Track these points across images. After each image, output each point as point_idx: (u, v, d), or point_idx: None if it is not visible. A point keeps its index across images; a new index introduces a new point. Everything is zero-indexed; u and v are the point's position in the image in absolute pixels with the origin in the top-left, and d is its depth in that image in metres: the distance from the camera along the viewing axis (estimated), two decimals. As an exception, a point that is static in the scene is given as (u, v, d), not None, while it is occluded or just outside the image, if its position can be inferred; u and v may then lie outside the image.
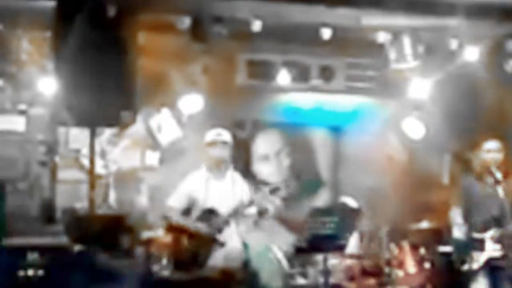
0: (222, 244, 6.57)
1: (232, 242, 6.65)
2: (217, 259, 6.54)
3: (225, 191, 6.70)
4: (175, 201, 6.70)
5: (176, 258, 6.59)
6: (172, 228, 6.64)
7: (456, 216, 6.74)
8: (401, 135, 8.30)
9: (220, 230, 6.59)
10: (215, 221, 6.59)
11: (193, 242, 6.54)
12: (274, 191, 6.68)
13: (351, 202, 7.16)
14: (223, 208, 6.63)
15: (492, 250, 6.58)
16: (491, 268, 6.58)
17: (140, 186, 7.67)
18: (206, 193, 6.66)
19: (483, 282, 6.57)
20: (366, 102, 8.35)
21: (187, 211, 6.71)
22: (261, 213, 6.70)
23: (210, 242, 6.55)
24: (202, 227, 6.56)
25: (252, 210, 6.70)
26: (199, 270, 6.43)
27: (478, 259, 6.59)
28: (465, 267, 6.58)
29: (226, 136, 6.81)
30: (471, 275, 6.58)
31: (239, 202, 6.65)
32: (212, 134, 6.81)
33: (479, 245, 6.60)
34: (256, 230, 7.04)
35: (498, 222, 6.60)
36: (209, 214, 6.62)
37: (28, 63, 7.00)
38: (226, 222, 6.59)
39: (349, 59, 8.20)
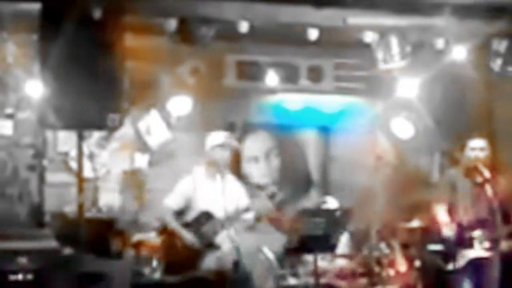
0: (216, 247, 6.55)
1: (226, 245, 6.63)
2: (209, 262, 6.51)
3: (222, 194, 6.67)
4: (172, 201, 6.69)
5: (168, 260, 6.57)
6: (166, 233, 6.62)
7: (442, 214, 6.77)
8: (390, 134, 8.31)
9: (215, 234, 6.57)
10: (210, 224, 6.58)
11: (186, 246, 6.52)
12: (272, 196, 6.68)
13: (333, 202, 7.18)
14: (219, 211, 6.61)
15: (478, 249, 6.60)
16: (475, 267, 6.59)
17: (129, 189, 7.65)
18: (203, 195, 6.65)
19: (467, 281, 6.59)
20: (355, 102, 8.36)
21: (182, 212, 6.69)
22: (258, 219, 6.70)
23: (198, 252, 6.53)
24: (195, 240, 6.54)
25: (250, 215, 6.70)
26: (191, 272, 6.40)
27: (463, 258, 6.60)
28: (450, 265, 6.60)
29: (231, 139, 6.83)
30: (455, 273, 6.60)
31: (236, 206, 6.64)
32: (220, 137, 6.79)
33: (467, 243, 6.62)
34: (247, 232, 7.02)
35: (486, 222, 6.61)
36: (205, 217, 6.60)
37: (14, 66, 6.98)
38: (222, 226, 6.57)
39: (337, 59, 8.22)
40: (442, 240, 6.75)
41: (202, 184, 6.72)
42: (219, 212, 6.63)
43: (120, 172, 7.62)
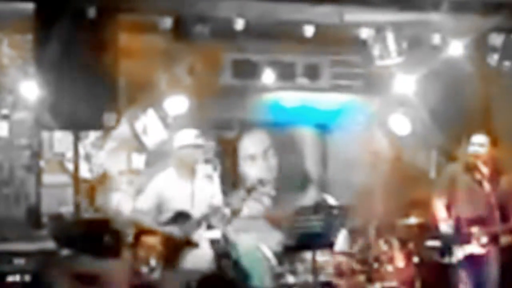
0: (195, 246, 6.51)
1: (202, 244, 6.58)
2: (195, 262, 6.46)
3: (195, 192, 6.60)
4: (143, 203, 6.61)
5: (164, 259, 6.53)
6: (142, 232, 6.57)
7: (440, 210, 6.77)
8: (388, 131, 8.30)
9: (191, 232, 6.51)
10: (186, 223, 6.52)
11: (166, 245, 6.47)
12: (250, 190, 6.61)
13: (331, 200, 7.16)
14: (195, 209, 6.56)
15: (475, 245, 6.58)
16: (472, 262, 6.58)
17: (126, 189, 7.63)
18: (176, 194, 6.58)
19: (463, 275, 6.58)
20: (352, 99, 8.35)
21: (157, 213, 6.63)
22: (234, 212, 6.61)
23: (182, 244, 6.48)
24: (172, 230, 6.49)
25: (226, 210, 6.62)
26: (172, 272, 6.35)
27: (457, 253, 6.59)
28: (445, 259, 6.60)
29: (200, 139, 6.71)
30: (451, 267, 6.60)
31: (210, 204, 6.56)
32: (187, 137, 6.68)
33: (465, 239, 6.61)
34: (245, 230, 7.01)
35: (484, 218, 6.61)
36: (180, 216, 6.55)
37: (9, 67, 6.97)
38: (198, 224, 6.52)
39: (334, 56, 8.20)
40: (441, 236, 6.74)
41: (174, 183, 6.64)
42: (193, 211, 6.57)
43: (116, 172, 7.60)
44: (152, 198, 6.58)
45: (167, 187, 6.60)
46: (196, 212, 6.52)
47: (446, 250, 6.65)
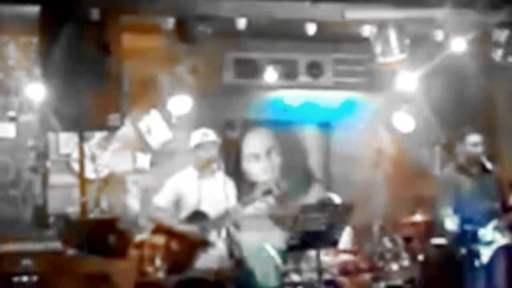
0: (211, 246, 6.54)
1: (221, 244, 6.61)
2: (209, 261, 6.49)
3: (214, 192, 6.64)
4: (161, 200, 6.66)
5: (170, 259, 6.56)
6: (160, 230, 6.60)
7: (444, 208, 6.76)
8: (391, 128, 8.31)
9: (208, 232, 6.54)
10: (203, 222, 6.56)
11: (182, 244, 6.50)
12: (266, 193, 6.65)
13: (335, 198, 7.19)
14: (212, 209, 6.59)
15: (499, 239, 6.57)
16: (501, 257, 6.57)
17: (131, 189, 7.67)
18: (194, 193, 6.62)
19: (495, 272, 6.57)
20: (355, 97, 8.36)
21: (174, 211, 6.67)
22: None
23: (198, 243, 6.52)
24: (190, 229, 6.52)
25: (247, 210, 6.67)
26: (189, 272, 6.39)
27: (486, 252, 6.57)
28: (476, 263, 6.53)
29: (212, 136, 6.76)
30: (484, 269, 6.54)
31: (229, 204, 6.60)
32: (198, 136, 6.75)
33: (471, 236, 6.60)
34: (249, 229, 7.03)
35: (494, 212, 6.61)
36: (197, 215, 6.58)
37: (15, 69, 7.02)
38: (215, 224, 6.55)
39: (336, 54, 8.21)
40: (447, 234, 6.73)
41: (192, 181, 6.68)
42: (210, 210, 6.60)
43: (121, 172, 7.63)
44: (170, 195, 6.62)
45: (185, 185, 6.64)
46: (213, 211, 6.56)
47: (473, 253, 6.56)
